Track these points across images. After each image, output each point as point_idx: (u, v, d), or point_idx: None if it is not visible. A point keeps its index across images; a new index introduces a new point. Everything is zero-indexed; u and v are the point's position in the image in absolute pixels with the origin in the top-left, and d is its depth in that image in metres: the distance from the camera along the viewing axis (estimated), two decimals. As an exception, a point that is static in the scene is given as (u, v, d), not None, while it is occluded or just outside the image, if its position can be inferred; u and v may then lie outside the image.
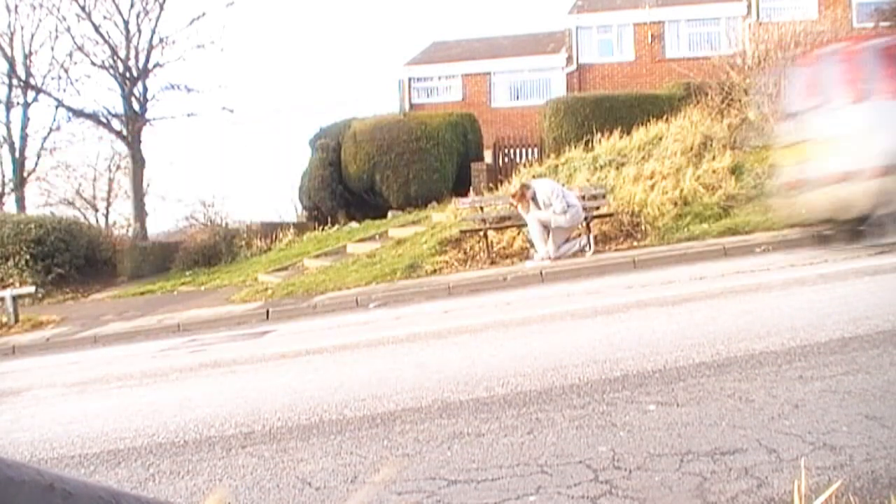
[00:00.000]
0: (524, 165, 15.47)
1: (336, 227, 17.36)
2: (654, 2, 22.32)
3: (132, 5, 21.20)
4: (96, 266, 17.26)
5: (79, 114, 22.27)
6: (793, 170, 8.34)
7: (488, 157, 18.57)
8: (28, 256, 15.87)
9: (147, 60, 21.53)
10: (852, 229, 7.97)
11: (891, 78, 7.70)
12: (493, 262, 11.31)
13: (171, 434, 4.09)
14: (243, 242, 17.35)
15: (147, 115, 21.78)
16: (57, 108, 23.18)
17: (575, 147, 14.70)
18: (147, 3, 21.36)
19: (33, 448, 4.19)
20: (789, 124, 8.79)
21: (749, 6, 21.44)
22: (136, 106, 21.41)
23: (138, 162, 21.68)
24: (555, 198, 10.77)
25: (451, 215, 13.35)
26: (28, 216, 18.45)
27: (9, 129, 24.14)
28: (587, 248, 11.10)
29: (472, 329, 6.50)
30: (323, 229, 17.37)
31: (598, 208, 11.80)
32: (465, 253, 11.87)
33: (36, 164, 25.67)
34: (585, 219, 11.63)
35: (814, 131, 8.02)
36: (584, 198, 11.86)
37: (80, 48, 21.36)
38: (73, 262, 16.57)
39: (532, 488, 2.66)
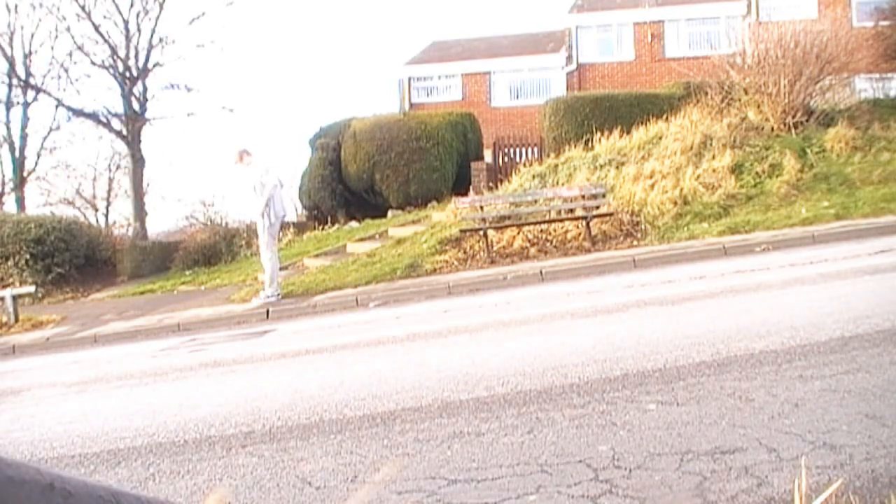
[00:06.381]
0: (524, 165, 15.44)
1: (336, 226, 17.35)
2: (654, 1, 22.31)
3: (132, 5, 21.19)
4: (96, 266, 17.23)
5: (79, 113, 22.26)
6: None
7: (488, 156, 18.55)
8: (28, 256, 15.84)
9: (147, 60, 21.52)
10: None
11: None
12: (492, 262, 11.31)
13: (171, 434, 4.09)
14: (243, 242, 17.31)
15: (147, 115, 21.76)
16: (57, 107, 23.21)
17: (575, 146, 14.69)
18: (147, 3, 21.35)
19: (33, 447, 4.20)
20: None
21: (749, 5, 21.43)
22: (135, 105, 21.38)
23: (138, 161, 21.66)
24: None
25: (450, 215, 13.35)
26: (28, 216, 18.38)
27: (9, 129, 24.15)
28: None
29: (472, 329, 6.50)
30: (323, 229, 17.36)
31: (597, 207, 11.80)
32: (464, 252, 11.86)
33: (36, 164, 25.68)
34: (585, 218, 11.62)
35: None
36: (583, 197, 11.87)
37: (80, 48, 21.35)
38: (73, 261, 16.54)
39: (532, 487, 2.66)
